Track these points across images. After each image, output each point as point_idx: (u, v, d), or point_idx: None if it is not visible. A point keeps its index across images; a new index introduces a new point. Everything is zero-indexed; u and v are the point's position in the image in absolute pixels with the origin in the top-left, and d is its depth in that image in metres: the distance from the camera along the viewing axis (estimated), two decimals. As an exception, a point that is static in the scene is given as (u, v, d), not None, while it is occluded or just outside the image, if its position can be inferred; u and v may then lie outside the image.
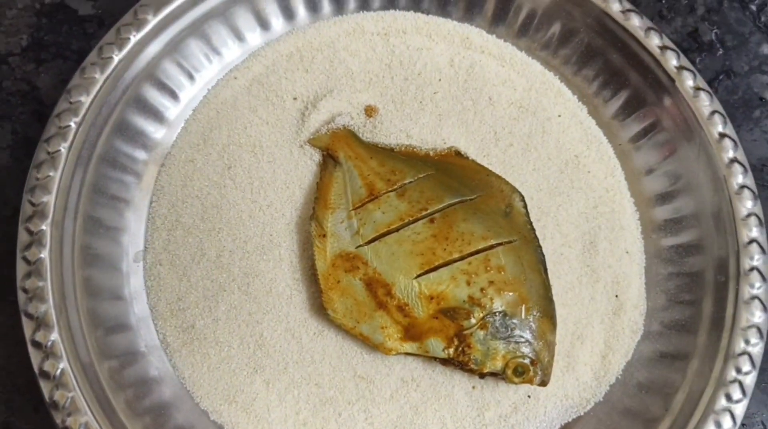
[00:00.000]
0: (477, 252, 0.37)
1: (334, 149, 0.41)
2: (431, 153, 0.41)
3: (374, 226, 0.38)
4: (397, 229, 0.38)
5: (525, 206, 0.39)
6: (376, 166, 0.40)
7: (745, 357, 0.36)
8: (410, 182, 0.39)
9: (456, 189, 0.39)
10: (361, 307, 0.37)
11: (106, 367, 0.35)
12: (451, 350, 0.36)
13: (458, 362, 0.37)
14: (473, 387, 0.38)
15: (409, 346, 0.37)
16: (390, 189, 0.39)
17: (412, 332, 0.37)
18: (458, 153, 0.41)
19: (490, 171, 0.40)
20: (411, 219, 0.38)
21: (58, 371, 0.34)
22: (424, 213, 0.38)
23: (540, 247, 0.38)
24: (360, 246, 0.38)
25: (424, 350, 0.37)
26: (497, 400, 0.38)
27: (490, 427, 0.38)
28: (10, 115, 0.43)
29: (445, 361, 0.37)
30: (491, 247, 0.37)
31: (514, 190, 0.40)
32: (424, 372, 0.38)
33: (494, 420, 0.38)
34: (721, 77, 0.46)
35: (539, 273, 0.38)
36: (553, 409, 0.38)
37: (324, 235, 0.38)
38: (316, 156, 0.41)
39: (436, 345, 0.37)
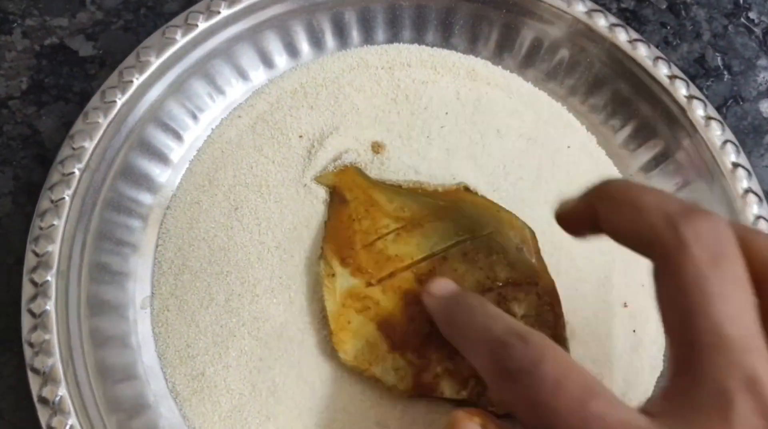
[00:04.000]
0: (491, 289, 0.37)
1: (341, 187, 0.40)
2: (440, 189, 0.41)
3: (384, 264, 0.38)
4: (408, 268, 0.37)
5: (536, 242, 0.39)
6: (384, 202, 0.39)
7: None
8: (420, 219, 0.39)
9: (467, 225, 0.38)
10: (373, 349, 0.36)
11: (114, 420, 0.34)
12: (465, 392, 0.36)
13: (474, 404, 0.36)
14: (490, 430, 0.37)
15: (423, 388, 0.36)
16: (399, 226, 0.38)
17: (426, 374, 0.36)
18: (467, 188, 0.41)
19: (500, 206, 0.40)
20: (422, 256, 0.37)
21: (67, 428, 0.33)
22: (435, 249, 0.37)
23: (553, 283, 0.38)
24: (371, 285, 0.37)
25: (439, 392, 0.36)
26: (516, 441, 0.37)
27: (509, 470, 0.37)
28: (12, 160, 0.42)
29: (461, 403, 0.37)
30: (505, 284, 0.37)
31: (525, 225, 0.39)
32: (438, 413, 0.37)
33: (512, 463, 0.37)
34: (729, 103, 0.46)
35: (554, 309, 0.37)
36: (573, 449, 0.37)
37: (333, 275, 0.38)
38: (322, 194, 0.40)
39: (451, 387, 0.36)
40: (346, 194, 0.40)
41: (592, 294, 0.40)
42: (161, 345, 0.38)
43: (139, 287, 0.39)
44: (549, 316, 0.37)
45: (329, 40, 0.44)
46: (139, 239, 0.39)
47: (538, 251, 0.38)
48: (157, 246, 0.40)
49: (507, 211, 0.40)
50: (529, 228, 0.39)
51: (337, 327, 0.37)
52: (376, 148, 0.41)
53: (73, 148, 0.37)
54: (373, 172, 0.41)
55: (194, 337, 0.38)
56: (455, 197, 0.40)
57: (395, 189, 0.40)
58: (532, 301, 0.36)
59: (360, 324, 0.37)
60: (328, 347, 0.37)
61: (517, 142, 0.42)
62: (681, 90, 0.40)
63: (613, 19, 0.42)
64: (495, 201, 0.40)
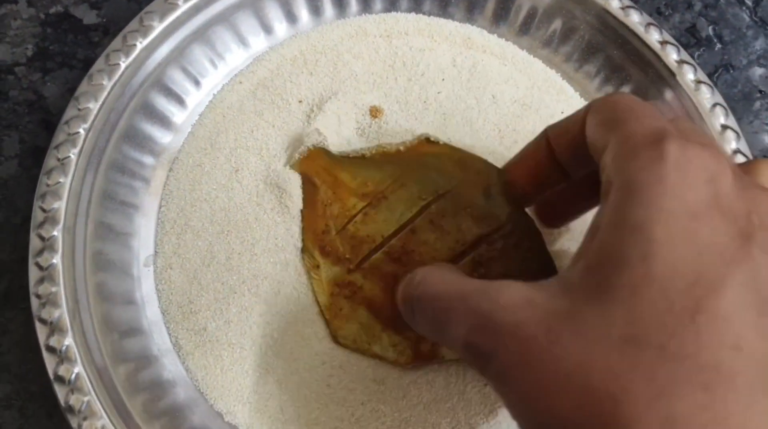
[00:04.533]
0: (464, 253, 0.36)
1: (309, 173, 0.40)
2: (402, 148, 0.40)
3: (359, 248, 0.38)
4: (380, 247, 0.37)
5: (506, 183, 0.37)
6: (348, 180, 0.39)
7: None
8: (384, 190, 0.38)
9: (430, 185, 0.38)
10: (368, 330, 0.37)
11: (121, 371, 0.35)
12: None
13: (470, 362, 0.37)
14: (485, 384, 0.38)
15: (423, 357, 0.37)
16: (365, 204, 0.38)
17: (424, 344, 0.37)
18: (429, 140, 0.40)
19: (464, 151, 0.39)
20: (392, 231, 0.37)
21: (73, 375, 0.34)
22: (402, 220, 0.37)
23: (534, 224, 0.37)
24: (351, 271, 0.38)
25: (440, 357, 0.37)
26: (509, 395, 0.38)
27: (504, 424, 0.38)
28: (18, 125, 0.43)
29: (460, 363, 0.37)
30: (481, 238, 0.36)
31: (492, 166, 0.38)
32: (437, 372, 0.38)
33: (508, 416, 0.38)
34: (720, 71, 0.47)
35: (540, 256, 0.37)
36: (565, 403, 0.38)
37: (318, 266, 0.38)
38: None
39: (449, 349, 0.37)
40: (315, 179, 0.40)
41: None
42: (164, 301, 0.39)
43: (142, 246, 0.40)
44: (533, 252, 0.36)
45: (328, 8, 0.45)
46: (142, 200, 0.40)
47: (507, 192, 0.37)
48: (160, 206, 0.41)
49: (472, 155, 0.39)
50: (497, 168, 0.37)
51: (331, 315, 0.38)
52: (375, 112, 0.42)
53: (79, 109, 0.38)
54: (371, 136, 0.42)
55: (196, 294, 0.39)
56: (418, 151, 0.40)
57: (358, 161, 0.40)
58: (511, 253, 0.36)
59: (351, 309, 0.37)
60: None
61: (512, 107, 0.43)
62: (672, 55, 0.41)
63: (606, -13, 0.43)
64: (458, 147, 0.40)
